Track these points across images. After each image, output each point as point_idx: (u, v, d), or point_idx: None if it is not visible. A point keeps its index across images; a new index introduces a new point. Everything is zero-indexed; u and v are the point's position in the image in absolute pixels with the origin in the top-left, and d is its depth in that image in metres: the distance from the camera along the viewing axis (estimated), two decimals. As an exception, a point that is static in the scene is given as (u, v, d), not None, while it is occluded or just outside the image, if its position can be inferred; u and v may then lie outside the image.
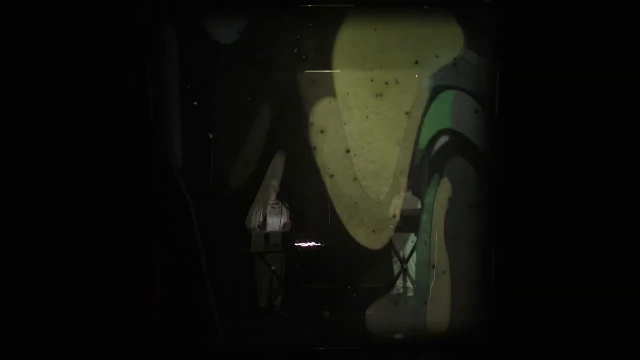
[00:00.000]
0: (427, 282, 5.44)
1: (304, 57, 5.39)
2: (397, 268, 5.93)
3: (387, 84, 5.48)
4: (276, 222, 5.94)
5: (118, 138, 4.66)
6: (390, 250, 5.85)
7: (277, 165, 5.89)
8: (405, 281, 5.87)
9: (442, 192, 5.38)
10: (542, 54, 4.69)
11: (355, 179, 5.61)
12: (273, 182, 5.95)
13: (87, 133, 4.58)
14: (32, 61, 4.44)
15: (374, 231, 5.66)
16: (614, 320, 4.50)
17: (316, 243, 5.76)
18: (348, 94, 5.52)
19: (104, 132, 4.62)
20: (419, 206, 5.70)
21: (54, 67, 4.50)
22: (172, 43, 5.16)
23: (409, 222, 5.69)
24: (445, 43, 5.30)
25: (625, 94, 4.53)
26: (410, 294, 5.81)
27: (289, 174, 5.91)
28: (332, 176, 5.59)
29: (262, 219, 5.90)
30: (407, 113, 5.51)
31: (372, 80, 5.48)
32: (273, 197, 5.96)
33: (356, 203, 5.61)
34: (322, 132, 5.57)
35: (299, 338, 5.31)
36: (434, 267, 5.40)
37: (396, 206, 5.70)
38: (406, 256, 5.88)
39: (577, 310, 4.57)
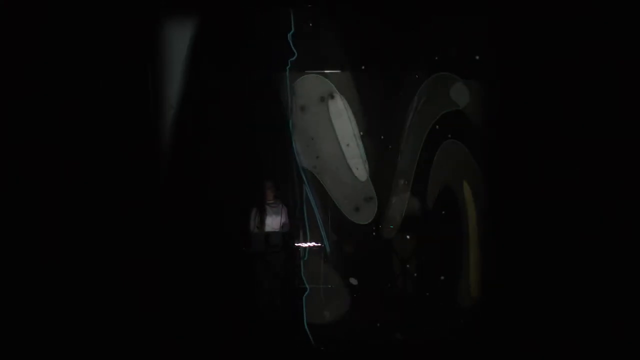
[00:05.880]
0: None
1: None
2: (397, 267, 5.97)
3: None
4: (275, 222, 5.91)
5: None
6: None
7: None
8: (405, 280, 5.91)
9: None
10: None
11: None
12: (268, 182, 5.90)
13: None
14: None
15: None
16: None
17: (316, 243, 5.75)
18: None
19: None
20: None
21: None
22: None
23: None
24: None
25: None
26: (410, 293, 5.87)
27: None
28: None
29: (260, 219, 5.84)
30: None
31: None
32: (270, 196, 5.90)
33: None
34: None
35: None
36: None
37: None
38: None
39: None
